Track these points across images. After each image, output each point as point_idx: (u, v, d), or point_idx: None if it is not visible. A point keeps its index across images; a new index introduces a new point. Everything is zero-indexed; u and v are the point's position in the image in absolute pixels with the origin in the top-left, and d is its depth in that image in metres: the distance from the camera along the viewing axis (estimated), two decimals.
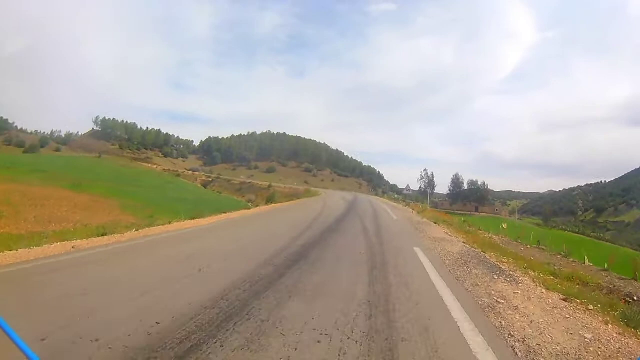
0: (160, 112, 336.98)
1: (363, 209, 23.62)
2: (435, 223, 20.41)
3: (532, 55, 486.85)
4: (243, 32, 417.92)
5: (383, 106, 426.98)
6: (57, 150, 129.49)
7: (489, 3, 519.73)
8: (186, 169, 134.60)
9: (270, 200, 28.25)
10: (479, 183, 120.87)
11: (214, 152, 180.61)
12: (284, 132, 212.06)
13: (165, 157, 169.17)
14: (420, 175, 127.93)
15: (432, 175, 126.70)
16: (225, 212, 16.66)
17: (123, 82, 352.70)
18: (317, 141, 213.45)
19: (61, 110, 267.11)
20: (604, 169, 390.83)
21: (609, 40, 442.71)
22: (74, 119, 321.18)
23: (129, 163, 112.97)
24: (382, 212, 22.67)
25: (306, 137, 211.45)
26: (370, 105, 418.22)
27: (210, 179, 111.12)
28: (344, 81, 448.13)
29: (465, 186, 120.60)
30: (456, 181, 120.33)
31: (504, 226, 21.87)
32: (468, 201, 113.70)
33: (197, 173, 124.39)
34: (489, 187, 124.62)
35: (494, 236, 17.97)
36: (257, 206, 25.21)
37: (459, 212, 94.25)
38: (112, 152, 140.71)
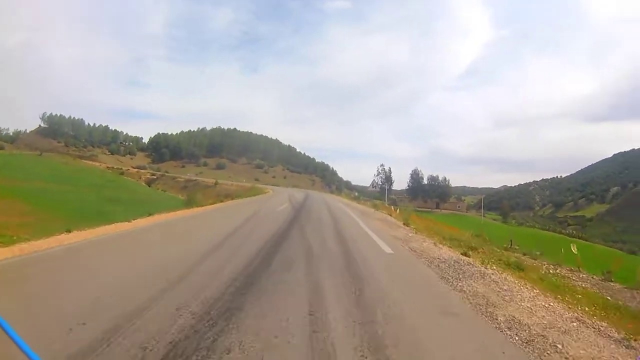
0: (115, 110, 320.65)
1: (317, 216, 15.42)
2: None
3: (486, 52, 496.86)
4: (197, 29, 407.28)
5: (337, 102, 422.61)
6: (1, 148, 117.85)
7: (444, 0, 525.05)
8: (132, 167, 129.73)
9: (190, 202, 21.21)
10: (440, 178, 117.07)
11: (162, 148, 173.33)
12: (235, 128, 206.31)
13: (112, 154, 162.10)
14: (377, 170, 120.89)
15: (390, 170, 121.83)
16: (151, 215, 13.08)
17: (76, 79, 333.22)
18: (269, 137, 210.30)
19: (11, 108, 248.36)
20: (559, 164, 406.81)
21: (563, 39, 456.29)
22: (26, 117, 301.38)
23: (70, 161, 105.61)
24: (350, 226, 13.68)
25: (257, 133, 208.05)
26: (325, 101, 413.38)
27: (155, 177, 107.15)
28: (298, 77, 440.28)
29: (425, 181, 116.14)
30: (415, 176, 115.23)
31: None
32: (429, 197, 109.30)
33: (142, 171, 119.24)
34: (450, 183, 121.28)
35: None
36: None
37: (420, 209, 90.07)
38: (57, 149, 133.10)
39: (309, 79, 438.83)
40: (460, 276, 6.46)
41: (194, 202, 20.73)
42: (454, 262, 7.86)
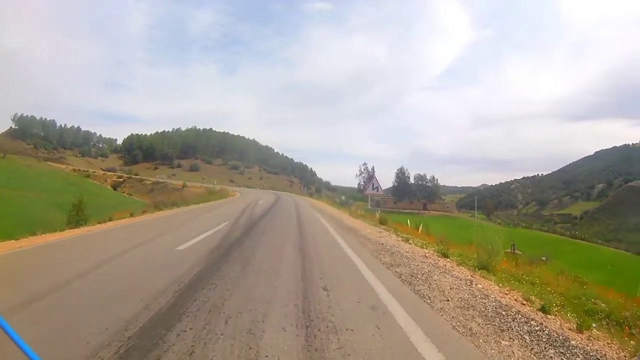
0: (93, 112, 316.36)
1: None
2: None
3: (466, 53, 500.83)
4: (177, 30, 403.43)
5: (317, 103, 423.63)
6: None
7: (424, 1, 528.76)
8: (102, 169, 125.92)
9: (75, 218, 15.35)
10: (428, 177, 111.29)
11: (135, 150, 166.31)
12: (211, 128, 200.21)
13: (83, 156, 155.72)
14: (359, 170, 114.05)
15: (373, 170, 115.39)
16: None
17: (54, 82, 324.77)
18: (246, 137, 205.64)
19: None
20: (539, 162, 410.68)
21: (543, 39, 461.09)
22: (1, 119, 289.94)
23: (35, 163, 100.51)
24: None
25: (234, 134, 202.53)
26: (305, 102, 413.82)
27: (122, 180, 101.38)
28: (277, 79, 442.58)
29: (412, 181, 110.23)
30: (401, 176, 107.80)
31: None
32: (415, 198, 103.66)
33: (109, 173, 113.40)
34: (439, 182, 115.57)
35: None
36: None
37: (406, 210, 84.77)
38: (26, 151, 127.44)
39: (288, 81, 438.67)
40: None
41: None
42: None
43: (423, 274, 6.23)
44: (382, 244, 9.30)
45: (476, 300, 5.03)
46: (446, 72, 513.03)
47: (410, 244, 9.82)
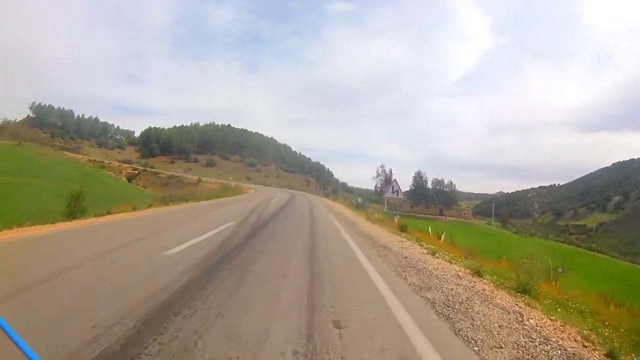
0: (112, 104, 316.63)
1: None
2: None
3: (485, 59, 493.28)
4: (198, 26, 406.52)
5: (335, 104, 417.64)
6: None
7: (444, 7, 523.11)
8: (118, 161, 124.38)
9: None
10: (445, 182, 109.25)
11: (152, 143, 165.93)
12: (229, 124, 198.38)
13: (99, 147, 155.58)
14: (377, 172, 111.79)
15: (391, 172, 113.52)
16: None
17: (75, 73, 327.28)
18: (264, 135, 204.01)
19: (2, 98, 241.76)
20: (556, 172, 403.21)
21: (562, 48, 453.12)
22: (19, 108, 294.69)
23: (50, 152, 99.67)
24: None
25: (252, 131, 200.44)
26: (323, 103, 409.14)
27: (137, 172, 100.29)
28: (297, 78, 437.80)
29: (430, 185, 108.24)
30: (419, 180, 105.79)
31: None
32: (432, 202, 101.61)
33: (125, 165, 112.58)
34: (456, 187, 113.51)
35: None
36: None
37: (422, 215, 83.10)
38: (42, 140, 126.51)
39: (308, 80, 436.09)
40: None
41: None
42: None
43: (461, 302, 4.96)
44: (406, 257, 8.01)
45: (535, 346, 3.80)
46: (465, 77, 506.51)
47: (437, 257, 8.51)
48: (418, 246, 10.21)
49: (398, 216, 20.90)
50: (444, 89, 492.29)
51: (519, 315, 4.77)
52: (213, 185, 54.07)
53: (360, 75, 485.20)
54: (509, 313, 4.79)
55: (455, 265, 7.82)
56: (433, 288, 5.56)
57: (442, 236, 15.42)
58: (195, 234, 8.76)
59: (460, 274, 6.96)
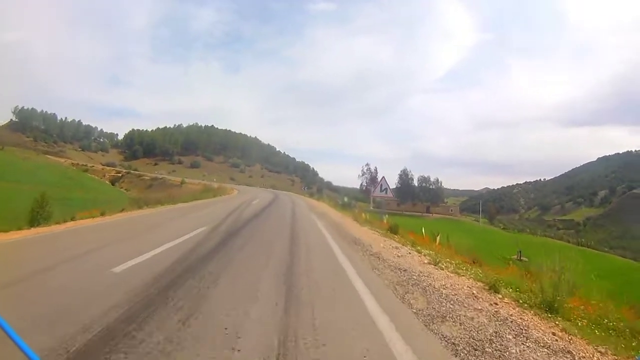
0: (95, 107, 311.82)
1: None
2: None
3: (468, 55, 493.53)
4: (180, 28, 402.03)
5: (319, 103, 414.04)
6: None
7: (427, 4, 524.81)
8: (101, 164, 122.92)
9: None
10: (432, 179, 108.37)
11: (136, 145, 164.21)
12: (212, 125, 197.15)
13: (83, 150, 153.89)
14: (362, 170, 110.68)
15: (376, 170, 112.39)
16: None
17: (58, 76, 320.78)
18: (248, 135, 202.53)
19: None
20: (541, 167, 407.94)
21: (544, 43, 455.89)
22: (3, 114, 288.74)
23: (33, 156, 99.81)
24: None
25: (236, 131, 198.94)
26: (307, 102, 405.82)
27: (120, 175, 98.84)
28: (280, 78, 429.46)
29: (415, 183, 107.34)
30: (404, 177, 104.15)
31: None
32: (419, 200, 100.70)
33: (108, 168, 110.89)
34: (442, 185, 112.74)
35: None
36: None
37: (409, 213, 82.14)
38: (25, 144, 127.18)
39: (291, 80, 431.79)
40: None
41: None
42: None
43: (489, 339, 3.68)
44: (405, 269, 6.67)
45: None
46: (448, 74, 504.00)
47: (441, 268, 7.23)
48: (416, 253, 8.87)
49: (387, 216, 19.68)
50: (428, 86, 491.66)
51: (567, 355, 3.53)
52: (196, 187, 53.25)
53: (344, 74, 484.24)
54: (555, 354, 3.53)
55: (464, 278, 6.56)
56: (448, 317, 4.25)
57: (438, 238, 14.15)
58: (159, 242, 7.58)
59: (474, 291, 5.70)
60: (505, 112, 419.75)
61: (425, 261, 7.82)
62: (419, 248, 9.74)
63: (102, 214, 14.29)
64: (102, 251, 6.90)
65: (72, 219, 12.56)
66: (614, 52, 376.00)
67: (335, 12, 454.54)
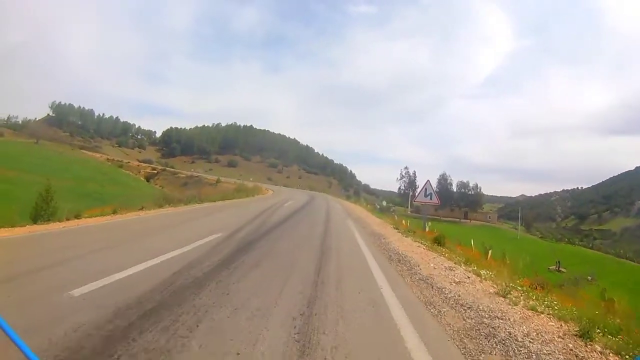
0: (134, 104, 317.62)
1: None
2: None
3: (507, 61, 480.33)
4: (222, 26, 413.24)
5: (358, 106, 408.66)
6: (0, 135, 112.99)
7: (467, 9, 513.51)
8: (137, 160, 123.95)
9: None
10: (471, 185, 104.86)
11: (174, 143, 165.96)
12: (251, 125, 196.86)
13: (119, 146, 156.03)
14: (400, 174, 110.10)
15: (415, 174, 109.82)
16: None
17: (98, 73, 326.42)
18: (286, 136, 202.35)
19: (23, 97, 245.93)
20: (578, 175, 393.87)
21: (584, 50, 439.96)
22: (41, 107, 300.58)
23: (67, 150, 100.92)
24: None
25: (274, 132, 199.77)
26: (345, 104, 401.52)
27: (156, 172, 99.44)
28: (319, 79, 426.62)
29: (454, 188, 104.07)
30: (443, 182, 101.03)
31: None
32: (457, 206, 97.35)
33: (144, 164, 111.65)
34: (482, 190, 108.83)
35: None
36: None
37: (447, 219, 79.33)
38: (62, 139, 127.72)
39: (330, 81, 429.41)
40: None
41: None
42: None
43: None
44: (470, 306, 4.80)
45: None
46: (487, 80, 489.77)
47: (513, 303, 5.36)
48: (474, 276, 7.00)
49: (429, 223, 17.79)
50: (466, 91, 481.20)
51: None
52: (232, 186, 53.28)
53: (383, 77, 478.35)
54: None
55: (545, 318, 4.77)
56: None
57: (490, 252, 12.22)
58: (152, 253, 6.20)
59: (569, 343, 3.92)
60: (543, 119, 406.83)
61: (491, 290, 5.94)
62: (475, 268, 7.89)
63: (114, 212, 13.22)
64: (75, 263, 5.53)
65: (77, 216, 11.46)
66: None
67: (375, 14, 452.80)
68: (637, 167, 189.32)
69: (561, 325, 4.58)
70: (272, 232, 10.97)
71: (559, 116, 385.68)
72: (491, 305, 5.01)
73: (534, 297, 5.93)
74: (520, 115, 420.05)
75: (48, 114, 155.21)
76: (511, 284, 6.62)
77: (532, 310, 5.07)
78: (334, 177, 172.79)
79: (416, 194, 17.41)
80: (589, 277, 44.75)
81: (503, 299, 5.45)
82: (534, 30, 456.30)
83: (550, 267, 42.84)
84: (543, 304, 5.59)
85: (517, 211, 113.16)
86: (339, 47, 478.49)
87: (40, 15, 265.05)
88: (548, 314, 4.97)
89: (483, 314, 4.61)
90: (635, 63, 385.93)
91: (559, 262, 48.60)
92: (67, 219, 10.98)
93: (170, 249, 6.70)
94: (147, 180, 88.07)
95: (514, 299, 5.54)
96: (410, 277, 6.53)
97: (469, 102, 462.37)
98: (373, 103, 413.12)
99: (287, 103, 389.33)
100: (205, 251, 6.98)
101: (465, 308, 4.80)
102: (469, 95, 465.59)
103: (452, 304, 4.98)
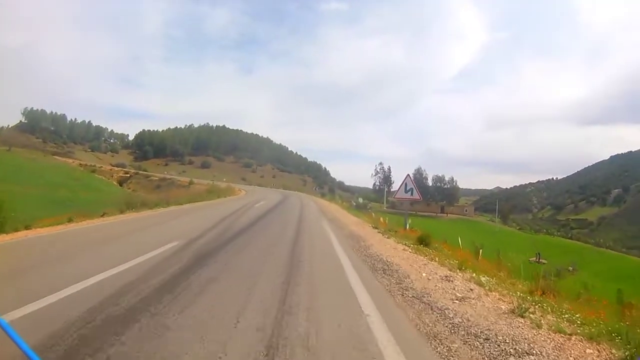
0: (107, 108, 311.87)
1: None
2: None
3: (481, 55, 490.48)
4: (194, 28, 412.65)
5: (331, 104, 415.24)
6: None
7: (439, 3, 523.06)
8: (110, 164, 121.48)
9: None
10: (446, 179, 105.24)
11: (146, 146, 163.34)
12: (224, 125, 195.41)
13: (92, 151, 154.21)
14: (375, 170, 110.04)
15: (389, 170, 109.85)
16: None
17: (69, 78, 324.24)
18: (260, 135, 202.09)
19: (2, 107, 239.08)
20: (553, 166, 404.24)
21: (558, 42, 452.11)
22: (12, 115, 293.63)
23: (40, 157, 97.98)
24: None
25: (247, 131, 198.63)
26: (320, 102, 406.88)
27: (129, 175, 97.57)
28: (293, 78, 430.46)
29: (430, 182, 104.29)
30: (419, 177, 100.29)
31: None
32: (433, 200, 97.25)
33: (116, 168, 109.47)
34: (457, 184, 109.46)
35: None
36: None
37: (423, 213, 79.02)
38: (34, 145, 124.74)
39: (304, 80, 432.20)
40: None
41: None
42: None
43: None
44: (486, 336, 3.61)
45: None
46: (461, 74, 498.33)
47: (536, 325, 4.21)
48: (476, 286, 5.78)
49: (410, 221, 16.75)
50: (441, 86, 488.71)
51: None
52: (204, 188, 52.13)
53: (357, 74, 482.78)
54: None
55: (577, 341, 3.72)
56: None
57: (481, 252, 11.31)
58: (80, 274, 5.04)
59: None
60: (517, 111, 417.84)
61: (503, 307, 4.78)
62: (473, 274, 6.76)
63: (69, 220, 12.36)
64: None
65: (27, 227, 10.70)
66: (627, 50, 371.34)
67: (347, 12, 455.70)
68: (611, 157, 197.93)
69: (599, 351, 3.53)
70: (236, 239, 9.62)
71: (534, 108, 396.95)
72: (511, 332, 3.85)
73: (549, 309, 4.88)
74: (495, 107, 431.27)
75: (20, 121, 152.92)
76: (520, 294, 5.58)
77: (559, 332, 3.98)
78: (308, 175, 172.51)
79: (396, 190, 16.30)
80: (570, 268, 45.05)
81: (522, 321, 4.29)
82: (507, 23, 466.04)
83: (530, 259, 42.65)
84: (562, 317, 4.57)
85: (493, 203, 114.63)
86: (312, 46, 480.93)
87: (10, 20, 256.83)
88: (577, 335, 3.91)
89: (506, 347, 3.44)
90: (608, 52, 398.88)
91: (539, 253, 48.67)
92: (16, 231, 10.01)
93: (110, 266, 5.55)
94: (120, 185, 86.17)
95: (533, 317, 4.43)
96: (402, 295, 5.20)
97: (443, 97, 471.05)
98: (347, 100, 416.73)
99: (261, 103, 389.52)
100: (149, 268, 5.73)
101: (482, 340, 3.60)
102: (443, 90, 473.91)
103: (463, 334, 3.74)
